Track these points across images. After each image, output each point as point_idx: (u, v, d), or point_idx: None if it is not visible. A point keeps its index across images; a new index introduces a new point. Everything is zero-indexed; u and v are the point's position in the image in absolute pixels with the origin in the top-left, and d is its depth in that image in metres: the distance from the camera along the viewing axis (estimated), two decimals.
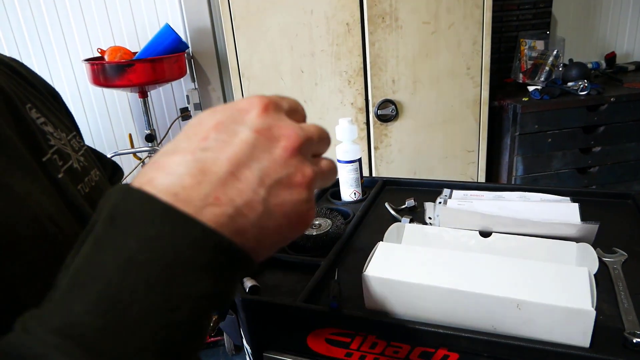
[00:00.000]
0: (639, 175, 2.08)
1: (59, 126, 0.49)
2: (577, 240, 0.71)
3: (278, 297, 0.68)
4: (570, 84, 1.99)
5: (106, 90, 2.25)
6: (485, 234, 0.74)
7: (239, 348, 2.11)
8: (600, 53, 2.43)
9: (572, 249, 0.68)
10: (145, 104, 2.12)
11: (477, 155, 1.92)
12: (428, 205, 0.83)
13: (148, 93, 2.13)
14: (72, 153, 0.48)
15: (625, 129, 1.98)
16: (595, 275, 0.61)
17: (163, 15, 2.23)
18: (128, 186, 0.26)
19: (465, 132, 1.88)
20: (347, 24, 1.69)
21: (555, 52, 2.04)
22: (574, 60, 2.19)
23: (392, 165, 1.89)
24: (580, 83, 1.94)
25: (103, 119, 2.34)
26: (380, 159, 1.88)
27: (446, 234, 0.75)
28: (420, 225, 0.80)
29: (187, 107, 2.35)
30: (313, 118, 1.44)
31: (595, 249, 0.68)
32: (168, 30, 1.98)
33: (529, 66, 2.11)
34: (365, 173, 1.86)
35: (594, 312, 0.49)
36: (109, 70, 1.91)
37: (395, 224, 0.76)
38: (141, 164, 2.22)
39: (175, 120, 2.33)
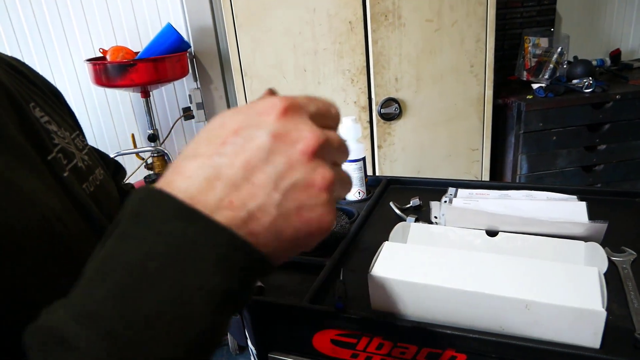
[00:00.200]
0: None
1: (63, 125, 0.49)
2: (585, 239, 0.70)
3: (283, 297, 0.67)
4: (575, 81, 1.98)
5: (108, 90, 2.25)
6: (491, 233, 0.73)
7: (243, 348, 2.11)
8: (605, 50, 2.41)
9: (580, 249, 0.67)
10: (147, 103, 2.11)
11: (481, 153, 1.91)
12: (434, 205, 0.82)
13: (150, 93, 2.12)
14: (76, 152, 0.48)
15: (631, 127, 1.97)
16: (604, 274, 0.60)
17: (165, 14, 2.22)
18: (150, 187, 0.28)
19: (469, 131, 1.87)
20: (349, 22, 1.68)
21: (559, 50, 2.02)
22: (579, 58, 2.18)
23: (396, 164, 1.88)
24: (585, 80, 1.93)
25: (105, 119, 2.33)
26: (384, 158, 1.87)
27: (452, 234, 0.74)
28: (426, 225, 0.79)
29: (189, 107, 2.34)
30: None
31: (603, 248, 0.67)
32: (170, 29, 1.97)
33: (533, 64, 2.10)
34: (369, 172, 1.86)
35: (605, 313, 0.48)
36: (111, 70, 1.90)
37: (400, 224, 0.75)
38: (144, 163, 2.21)
39: (177, 120, 2.33)
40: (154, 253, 0.26)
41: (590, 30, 2.42)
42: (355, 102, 1.79)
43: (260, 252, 0.28)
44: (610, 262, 0.67)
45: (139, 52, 2.01)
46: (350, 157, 0.96)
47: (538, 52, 2.10)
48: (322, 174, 0.29)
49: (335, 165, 0.33)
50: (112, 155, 2.09)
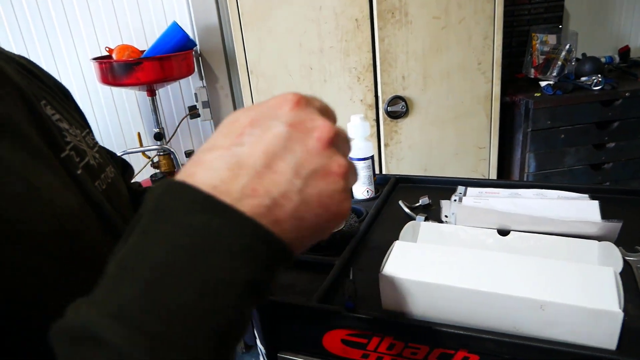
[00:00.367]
0: None
1: (73, 123, 0.49)
2: (598, 238, 0.69)
3: (292, 296, 0.66)
4: (583, 78, 1.96)
5: (114, 89, 2.25)
6: (503, 232, 0.72)
7: (250, 347, 2.10)
8: (614, 47, 2.39)
9: (593, 248, 0.66)
10: (153, 102, 2.11)
11: (488, 151, 1.90)
12: (444, 203, 0.82)
13: (156, 91, 2.12)
14: (87, 150, 0.48)
15: None
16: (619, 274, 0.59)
17: (170, 13, 2.22)
18: (171, 180, 0.28)
19: (477, 129, 1.86)
20: (356, 19, 1.67)
21: (567, 47, 2.01)
22: (587, 55, 2.15)
23: (403, 162, 1.87)
24: (593, 78, 1.91)
25: (111, 117, 2.34)
26: (391, 156, 1.86)
27: (463, 233, 0.73)
28: (436, 224, 0.78)
29: (195, 105, 2.34)
30: None
31: (617, 247, 0.66)
32: (176, 28, 1.97)
33: (540, 61, 2.08)
34: (375, 170, 1.85)
35: (622, 314, 0.48)
36: (117, 69, 1.90)
37: (410, 223, 0.74)
38: (150, 162, 2.21)
39: (183, 119, 2.33)
40: (178, 247, 0.26)
41: (599, 26, 2.39)
42: (361, 100, 1.78)
43: (283, 241, 0.28)
44: (625, 262, 0.66)
45: (144, 50, 2.01)
46: (359, 155, 0.95)
47: (546, 49, 2.08)
48: (338, 161, 0.30)
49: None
50: (118, 154, 2.09)
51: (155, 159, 2.21)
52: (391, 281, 0.57)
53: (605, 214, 0.75)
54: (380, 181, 1.03)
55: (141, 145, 2.26)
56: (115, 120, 2.34)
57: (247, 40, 1.69)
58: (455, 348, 0.55)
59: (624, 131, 1.95)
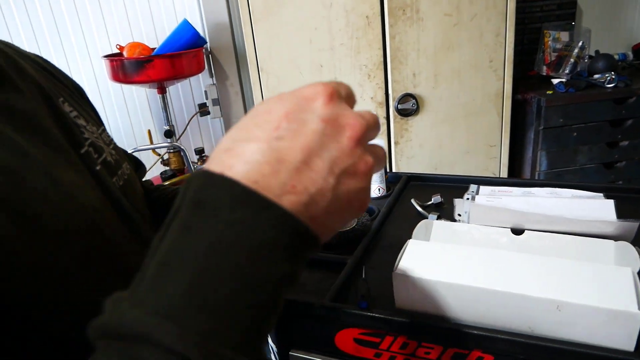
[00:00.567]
0: None
1: (90, 120, 0.50)
2: (615, 238, 0.68)
3: (304, 295, 0.66)
4: (596, 76, 1.94)
5: (125, 86, 2.26)
6: (517, 231, 0.71)
7: None
8: (627, 44, 2.36)
9: (610, 248, 0.66)
10: (163, 99, 2.12)
11: (499, 150, 1.89)
12: (458, 202, 0.81)
13: (166, 89, 2.13)
14: (104, 146, 0.49)
15: None
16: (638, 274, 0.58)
17: (181, 10, 2.23)
18: (210, 172, 0.27)
19: (488, 127, 1.85)
20: (366, 16, 1.67)
21: (580, 44, 1.98)
22: (600, 52, 2.13)
23: (413, 160, 1.87)
24: (607, 75, 1.89)
25: (122, 115, 2.35)
26: (401, 154, 1.85)
27: (476, 232, 0.73)
28: (449, 222, 0.78)
29: (205, 103, 2.34)
30: None
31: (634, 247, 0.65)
32: (186, 25, 1.97)
33: (553, 58, 2.06)
34: (386, 168, 1.84)
35: None
36: (128, 66, 1.91)
37: (423, 221, 0.73)
38: (160, 159, 2.22)
39: (193, 116, 2.33)
40: (223, 243, 0.26)
41: (612, 23, 2.36)
42: (372, 98, 1.77)
43: (318, 237, 0.29)
44: None
45: (155, 48, 2.02)
46: None
47: (558, 46, 2.06)
48: (366, 160, 0.31)
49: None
50: (128, 151, 2.10)
51: (166, 157, 2.22)
52: (405, 280, 0.56)
53: (621, 213, 0.74)
54: (391, 179, 1.03)
55: (151, 142, 2.28)
56: (126, 117, 2.36)
57: (258, 38, 1.69)
58: (469, 348, 0.55)
59: (638, 129, 1.93)
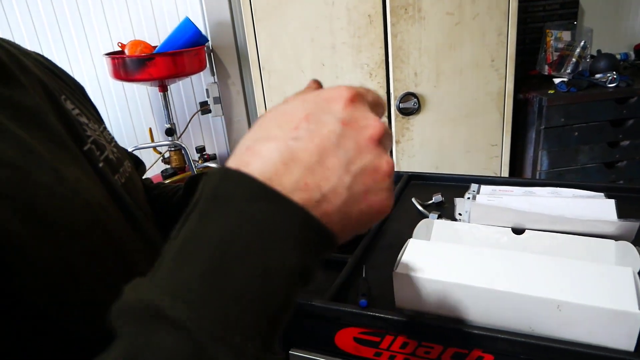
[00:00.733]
0: None
1: (91, 118, 0.50)
2: (615, 238, 0.68)
3: (304, 294, 0.66)
4: (598, 75, 1.93)
5: (126, 84, 2.26)
6: (518, 231, 0.71)
7: None
8: (629, 44, 2.35)
9: (610, 247, 0.66)
10: (165, 98, 2.12)
11: (500, 149, 1.88)
12: (459, 201, 0.81)
13: (168, 87, 2.13)
14: (106, 144, 0.49)
15: None
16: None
17: (183, 8, 2.23)
18: (227, 168, 0.29)
19: (489, 126, 1.84)
20: (368, 15, 1.66)
21: (582, 43, 1.98)
22: (602, 52, 2.12)
23: (414, 159, 1.86)
24: (608, 75, 1.88)
25: (123, 113, 2.35)
26: (402, 153, 1.85)
27: (477, 231, 0.73)
28: (450, 222, 0.78)
29: (206, 101, 2.35)
30: None
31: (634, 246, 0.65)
32: (188, 23, 1.97)
33: (555, 58, 2.06)
34: None
35: None
36: (129, 64, 1.91)
37: (424, 221, 0.74)
38: (161, 157, 2.22)
39: (194, 114, 2.33)
40: (238, 232, 0.27)
41: (614, 23, 2.36)
42: None
43: (331, 231, 0.29)
44: None
45: (157, 46, 2.02)
46: None
47: (560, 45, 2.05)
48: (386, 159, 0.31)
49: None
50: (129, 149, 2.10)
51: (166, 155, 2.22)
52: (405, 279, 0.56)
53: (621, 213, 0.74)
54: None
55: (152, 140, 2.28)
56: (127, 115, 2.36)
57: (259, 36, 1.69)
58: (469, 347, 0.55)
59: (639, 129, 1.92)
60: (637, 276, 0.52)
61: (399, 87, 1.75)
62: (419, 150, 1.85)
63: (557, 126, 1.88)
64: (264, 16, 1.66)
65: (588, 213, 0.74)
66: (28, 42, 2.15)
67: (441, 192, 0.91)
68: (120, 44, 2.09)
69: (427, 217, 0.83)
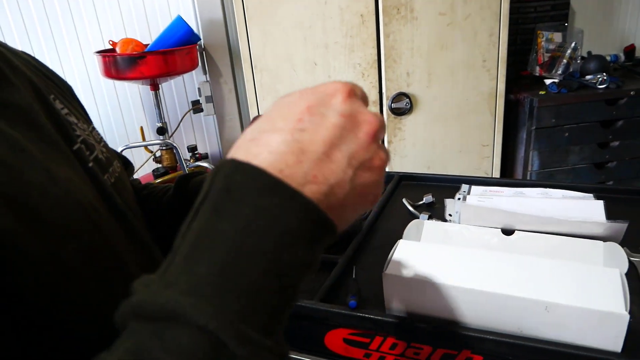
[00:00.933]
0: None
1: (80, 118, 0.49)
2: (604, 239, 0.68)
3: None
4: (588, 77, 1.95)
5: (117, 82, 2.25)
6: (507, 232, 0.72)
7: None
8: (619, 45, 2.37)
9: (599, 249, 0.66)
10: (156, 96, 2.11)
11: (492, 149, 1.89)
12: (449, 202, 0.81)
13: (159, 85, 2.12)
14: (95, 144, 0.49)
15: None
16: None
17: (175, 7, 2.21)
18: (238, 160, 0.29)
19: (481, 126, 1.85)
20: (361, 15, 1.66)
21: (573, 45, 1.99)
22: (593, 53, 2.14)
23: (406, 159, 1.87)
24: (599, 76, 1.90)
25: (114, 111, 2.33)
26: (394, 153, 1.85)
27: (467, 232, 0.73)
28: (440, 223, 0.78)
29: (198, 100, 2.33)
30: None
31: (622, 247, 0.66)
32: (180, 22, 1.96)
33: (546, 59, 2.07)
34: None
35: (628, 316, 0.47)
36: (120, 63, 1.90)
37: (414, 221, 0.74)
38: (152, 156, 2.21)
39: (186, 113, 2.32)
40: (252, 228, 0.27)
41: (605, 25, 2.38)
42: None
43: (336, 226, 0.30)
44: (630, 262, 0.66)
45: (148, 44, 2.01)
46: None
47: (551, 47, 2.06)
48: (380, 155, 0.32)
49: None
50: (120, 148, 2.09)
51: (158, 154, 2.20)
52: (395, 281, 0.56)
53: (610, 214, 0.74)
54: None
55: (144, 139, 2.26)
56: (118, 114, 2.34)
57: (252, 35, 1.68)
58: (458, 349, 0.55)
59: (629, 130, 1.94)
60: (624, 278, 0.52)
61: (391, 87, 1.75)
62: (411, 150, 1.86)
63: (547, 127, 1.89)
64: (256, 14, 1.66)
65: (577, 214, 0.75)
66: (18, 40, 2.13)
67: (432, 193, 0.91)
68: (111, 42, 2.07)
69: (418, 217, 0.83)
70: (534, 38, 2.11)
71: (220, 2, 2.17)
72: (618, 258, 0.64)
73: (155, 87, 2.09)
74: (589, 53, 2.15)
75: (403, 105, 1.77)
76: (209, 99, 2.30)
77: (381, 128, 0.33)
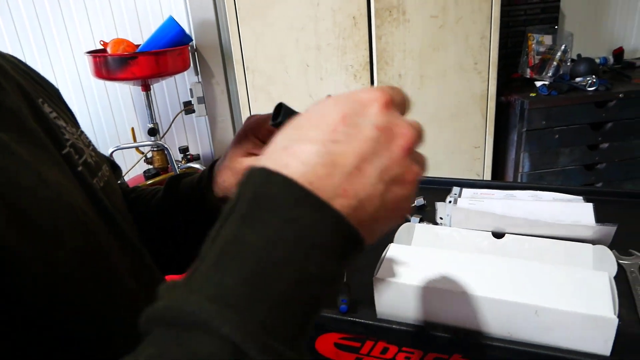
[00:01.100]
0: None
1: (68, 122, 0.49)
2: (593, 242, 0.69)
3: None
4: (578, 79, 1.96)
5: (108, 83, 2.23)
6: (498, 235, 0.72)
7: None
8: (608, 48, 2.40)
9: (588, 252, 0.67)
10: (148, 97, 2.10)
11: (483, 151, 1.90)
12: (440, 205, 0.81)
13: (151, 86, 2.11)
14: (84, 148, 0.48)
15: (634, 126, 1.96)
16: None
17: (167, 7, 2.20)
18: (268, 170, 0.28)
19: (472, 128, 1.86)
20: (353, 17, 1.67)
21: (563, 47, 2.01)
22: (582, 56, 2.16)
23: None
24: (588, 79, 1.91)
25: (105, 112, 2.32)
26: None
27: (458, 235, 0.73)
28: (431, 226, 0.78)
29: (190, 101, 2.32)
30: None
31: (611, 250, 0.66)
32: (172, 22, 1.95)
33: (536, 61, 2.08)
34: None
35: (617, 320, 0.48)
36: (111, 63, 1.89)
37: (405, 224, 0.74)
38: (143, 157, 2.20)
39: (178, 114, 2.31)
40: (280, 239, 0.27)
41: (594, 28, 2.40)
42: None
43: (363, 240, 0.29)
44: (618, 265, 0.66)
45: (140, 45, 1.99)
46: None
47: (542, 49, 2.08)
48: (414, 170, 0.32)
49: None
50: (111, 149, 2.08)
51: (149, 155, 2.19)
52: (385, 285, 0.56)
53: (599, 217, 0.75)
54: None
55: (135, 140, 2.25)
56: (109, 115, 2.32)
57: (244, 36, 1.68)
58: (449, 353, 0.55)
59: (617, 132, 1.96)
60: (613, 281, 0.53)
61: None
62: None
63: (538, 129, 1.90)
64: (249, 16, 1.65)
65: (567, 217, 0.75)
66: (8, 40, 2.11)
67: (423, 196, 0.92)
68: (102, 42, 2.06)
69: (409, 220, 0.83)
70: (525, 41, 2.13)
71: (212, 3, 2.16)
72: (607, 261, 0.64)
73: (146, 88, 2.08)
74: (579, 56, 2.17)
75: None
76: (200, 100, 2.29)
77: (417, 140, 0.32)
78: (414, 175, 0.31)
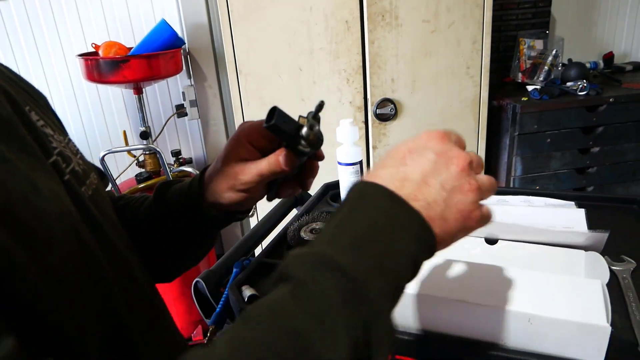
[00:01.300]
0: (637, 175, 2.07)
1: (56, 130, 0.48)
2: (585, 248, 0.69)
3: None
4: (569, 84, 1.98)
5: (100, 86, 2.22)
6: (491, 241, 0.72)
7: None
8: (599, 53, 2.42)
9: (580, 258, 0.67)
10: (140, 100, 2.09)
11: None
12: None
13: (143, 89, 2.09)
14: (72, 156, 0.48)
15: (624, 130, 1.98)
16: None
17: (159, 10, 2.19)
18: (368, 181, 0.42)
19: (464, 132, 1.87)
20: (346, 21, 1.67)
21: (554, 52, 2.02)
22: (573, 60, 2.18)
23: None
24: (579, 83, 1.93)
25: (97, 115, 2.30)
26: (379, 159, 1.86)
27: None
28: None
29: (182, 104, 2.31)
30: None
31: (603, 257, 0.67)
32: (164, 25, 1.94)
33: (528, 66, 2.10)
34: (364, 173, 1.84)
35: (610, 328, 0.48)
36: (103, 66, 1.87)
37: None
38: (135, 161, 2.18)
39: (170, 117, 2.30)
40: (378, 220, 0.39)
41: (584, 33, 2.42)
42: (350, 102, 1.77)
43: (434, 232, 0.39)
44: (611, 272, 0.67)
45: (132, 47, 1.98)
46: (347, 160, 0.95)
47: (533, 54, 2.10)
48: (470, 181, 0.41)
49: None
50: (103, 153, 2.06)
51: (141, 158, 2.18)
52: None
53: (591, 223, 0.75)
54: None
55: (127, 144, 2.23)
56: (101, 118, 2.31)
57: (237, 40, 1.68)
58: None
59: (608, 136, 1.98)
60: (605, 289, 0.53)
61: (376, 93, 1.76)
62: None
63: (530, 133, 1.91)
64: (241, 19, 1.65)
65: (559, 222, 0.76)
66: None
67: None
68: (94, 45, 2.05)
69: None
70: (516, 45, 2.14)
71: (205, 6, 2.16)
72: (599, 268, 0.64)
73: (138, 91, 2.07)
74: (570, 60, 2.19)
75: (388, 111, 1.78)
76: (193, 103, 2.28)
77: (471, 164, 0.42)
78: (472, 186, 0.41)
